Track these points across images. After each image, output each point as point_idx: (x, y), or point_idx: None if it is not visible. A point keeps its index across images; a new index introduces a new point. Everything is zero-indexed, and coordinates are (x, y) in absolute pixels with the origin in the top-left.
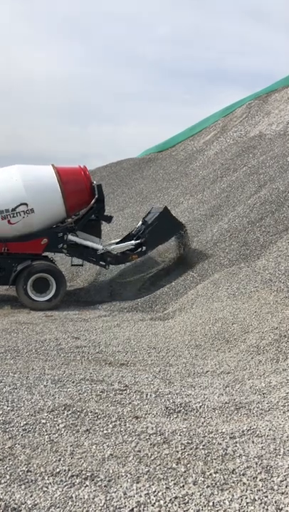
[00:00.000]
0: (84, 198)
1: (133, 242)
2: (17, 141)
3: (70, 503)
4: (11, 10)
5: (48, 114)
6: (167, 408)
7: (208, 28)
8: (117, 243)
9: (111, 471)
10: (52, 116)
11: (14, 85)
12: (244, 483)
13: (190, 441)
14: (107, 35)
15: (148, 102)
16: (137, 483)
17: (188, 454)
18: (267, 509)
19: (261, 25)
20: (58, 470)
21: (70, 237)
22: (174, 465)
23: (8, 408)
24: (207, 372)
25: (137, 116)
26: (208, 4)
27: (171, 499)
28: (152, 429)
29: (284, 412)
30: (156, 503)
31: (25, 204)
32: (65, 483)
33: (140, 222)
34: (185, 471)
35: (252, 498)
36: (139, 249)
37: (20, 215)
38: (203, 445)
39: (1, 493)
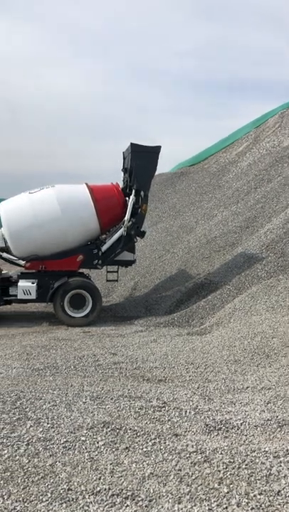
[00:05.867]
0: (117, 214)
1: (132, 196)
2: (50, 159)
3: None
4: (35, 34)
5: (79, 132)
6: (207, 425)
7: (232, 40)
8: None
9: (152, 491)
10: (84, 134)
11: (45, 104)
12: None
13: (232, 460)
14: (129, 52)
15: (176, 116)
16: (179, 503)
17: (230, 474)
18: None
19: (284, 33)
20: (98, 489)
21: (104, 247)
22: (216, 485)
23: (49, 425)
24: (247, 388)
25: (168, 131)
26: (230, 15)
27: None
28: (192, 447)
29: None
30: None
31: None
32: (105, 503)
33: (122, 173)
34: (228, 492)
35: None
36: (139, 197)
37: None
38: (246, 464)
39: (43, 511)
